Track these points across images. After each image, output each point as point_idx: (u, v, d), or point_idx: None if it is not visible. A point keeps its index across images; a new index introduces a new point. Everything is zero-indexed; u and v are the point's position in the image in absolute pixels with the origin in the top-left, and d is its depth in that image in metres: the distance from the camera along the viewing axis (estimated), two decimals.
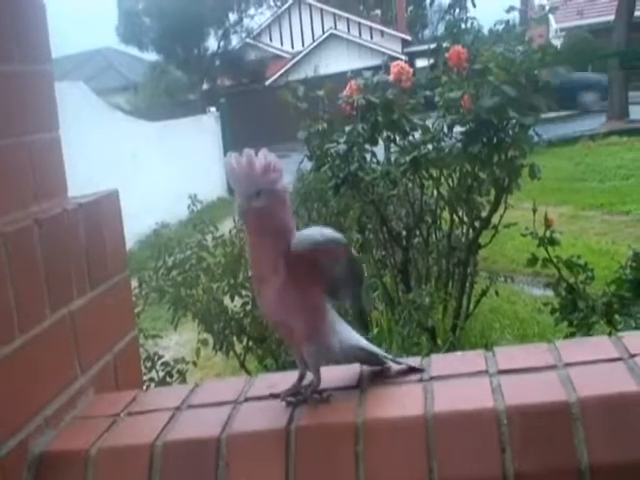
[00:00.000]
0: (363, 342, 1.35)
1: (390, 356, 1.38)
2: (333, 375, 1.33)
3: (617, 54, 19.08)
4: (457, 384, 1.28)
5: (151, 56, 30.42)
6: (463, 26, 4.77)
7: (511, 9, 4.60)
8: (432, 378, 1.31)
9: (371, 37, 34.25)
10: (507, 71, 3.91)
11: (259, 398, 1.34)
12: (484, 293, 4.79)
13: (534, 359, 1.31)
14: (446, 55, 4.05)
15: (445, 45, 4.35)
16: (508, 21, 4.47)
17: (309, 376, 1.32)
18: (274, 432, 1.21)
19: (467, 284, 4.65)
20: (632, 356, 1.26)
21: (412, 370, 1.34)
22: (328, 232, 1.28)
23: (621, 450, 1.10)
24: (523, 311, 5.62)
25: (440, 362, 1.39)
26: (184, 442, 1.23)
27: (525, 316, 5.45)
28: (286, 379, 1.35)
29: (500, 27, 4.48)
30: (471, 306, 4.79)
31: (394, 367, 1.36)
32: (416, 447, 1.15)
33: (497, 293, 4.92)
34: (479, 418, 1.16)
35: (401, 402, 1.25)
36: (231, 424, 1.25)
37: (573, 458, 1.10)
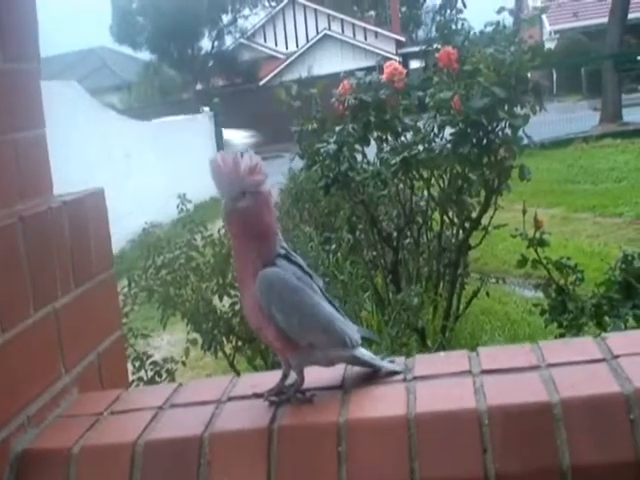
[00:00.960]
0: (355, 351, 1.33)
1: (378, 358, 1.37)
2: (317, 375, 1.33)
3: (610, 57, 19.13)
4: (440, 384, 1.28)
5: (145, 55, 30.44)
6: (454, 27, 4.78)
7: (501, 10, 4.61)
8: (415, 378, 1.31)
9: (365, 38, 34.28)
10: (497, 72, 3.92)
11: (242, 397, 1.34)
12: (475, 294, 4.79)
13: (517, 359, 1.31)
14: (436, 56, 4.05)
15: (436, 46, 4.36)
16: (499, 22, 4.48)
17: (293, 376, 1.32)
18: (256, 431, 1.21)
19: (457, 285, 4.66)
20: (615, 357, 1.26)
21: (395, 373, 1.34)
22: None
23: (603, 451, 1.10)
24: (514, 312, 5.62)
25: (424, 362, 1.39)
26: (166, 441, 1.23)
27: (516, 317, 5.46)
28: (270, 379, 1.35)
29: (490, 28, 4.48)
30: (461, 307, 4.79)
31: (382, 371, 1.35)
32: (398, 447, 1.15)
33: (488, 294, 4.93)
34: (461, 418, 1.16)
35: (384, 402, 1.25)
36: (214, 423, 1.25)
37: (555, 459, 1.11)
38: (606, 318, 3.01)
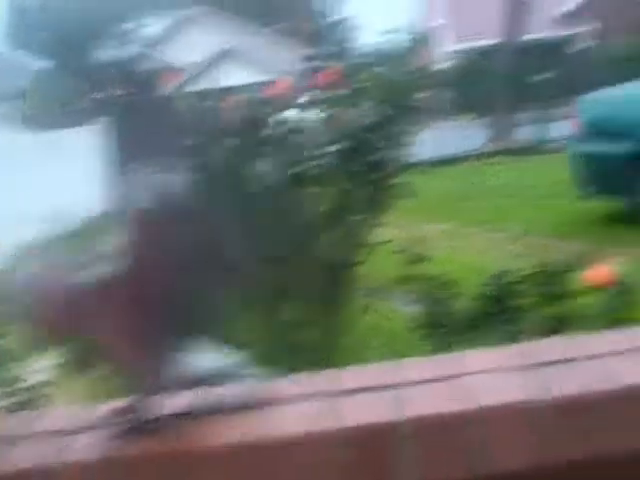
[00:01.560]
0: (213, 363, 1.30)
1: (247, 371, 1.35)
2: (166, 402, 1.29)
3: (502, 77, 19.87)
4: (296, 407, 1.27)
5: (41, 63, 29.60)
6: (346, 45, 4.86)
7: (393, 31, 4.73)
8: (266, 402, 1.29)
9: (272, 51, 34.39)
10: (384, 91, 4.01)
11: (89, 428, 1.28)
12: (360, 311, 4.82)
13: (372, 379, 1.32)
14: (322, 74, 4.12)
15: (324, 65, 4.42)
16: (390, 41, 4.60)
17: (143, 402, 1.27)
18: (101, 462, 1.17)
19: (343, 302, 4.69)
20: (466, 374, 1.28)
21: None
22: None
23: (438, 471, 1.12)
24: (398, 327, 5.66)
25: (281, 385, 1.38)
26: None
27: (400, 333, 5.49)
28: (116, 406, 1.30)
29: (382, 47, 4.60)
30: (347, 325, 4.80)
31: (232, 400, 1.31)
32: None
33: (374, 311, 4.97)
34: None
35: (228, 430, 1.22)
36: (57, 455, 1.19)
37: None
38: (480, 331, 3.10)
